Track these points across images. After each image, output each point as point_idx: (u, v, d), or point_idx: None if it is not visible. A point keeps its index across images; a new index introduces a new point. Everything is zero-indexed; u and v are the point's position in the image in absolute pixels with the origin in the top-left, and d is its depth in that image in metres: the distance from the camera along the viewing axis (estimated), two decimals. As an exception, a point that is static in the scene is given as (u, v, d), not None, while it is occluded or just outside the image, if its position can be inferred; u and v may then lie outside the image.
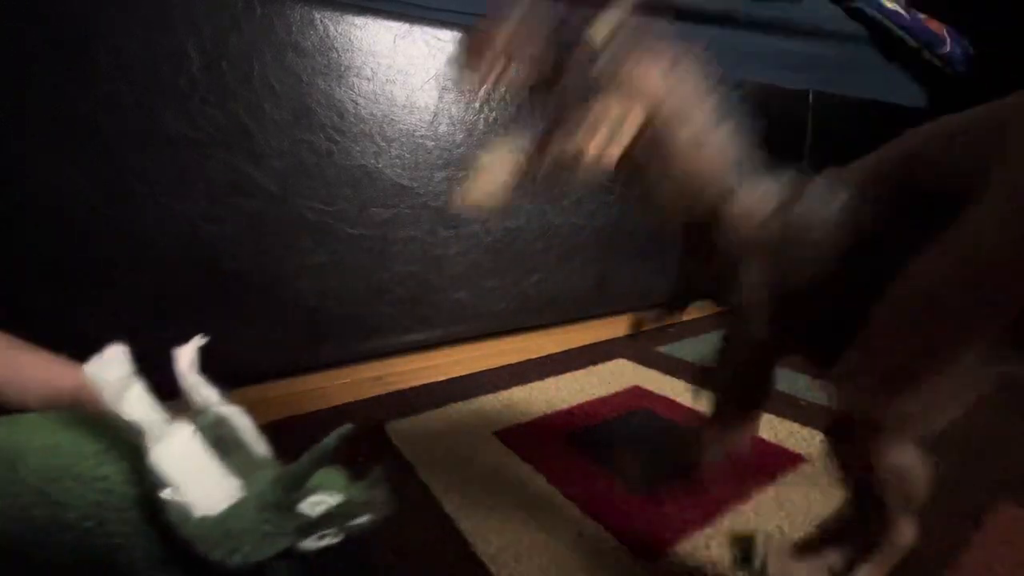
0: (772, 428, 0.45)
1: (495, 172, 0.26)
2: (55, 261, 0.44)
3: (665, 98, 0.23)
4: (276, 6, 0.50)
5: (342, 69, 0.54)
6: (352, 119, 0.55)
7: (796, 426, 0.46)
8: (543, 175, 0.26)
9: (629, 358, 0.64)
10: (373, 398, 0.53)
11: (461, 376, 0.59)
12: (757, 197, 0.22)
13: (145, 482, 0.18)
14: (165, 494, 0.18)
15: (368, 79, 0.55)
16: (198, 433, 0.20)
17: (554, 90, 0.25)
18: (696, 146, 0.23)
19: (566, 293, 0.75)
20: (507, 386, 0.55)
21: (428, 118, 0.60)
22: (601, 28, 0.24)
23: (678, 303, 0.28)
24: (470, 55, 0.25)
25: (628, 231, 0.80)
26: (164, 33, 0.46)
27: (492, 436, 0.44)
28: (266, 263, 0.53)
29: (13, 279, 0.43)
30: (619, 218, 0.79)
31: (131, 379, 0.19)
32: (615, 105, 0.23)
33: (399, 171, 0.59)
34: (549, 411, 0.49)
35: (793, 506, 0.34)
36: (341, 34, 0.53)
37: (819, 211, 0.21)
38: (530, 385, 0.56)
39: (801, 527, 0.32)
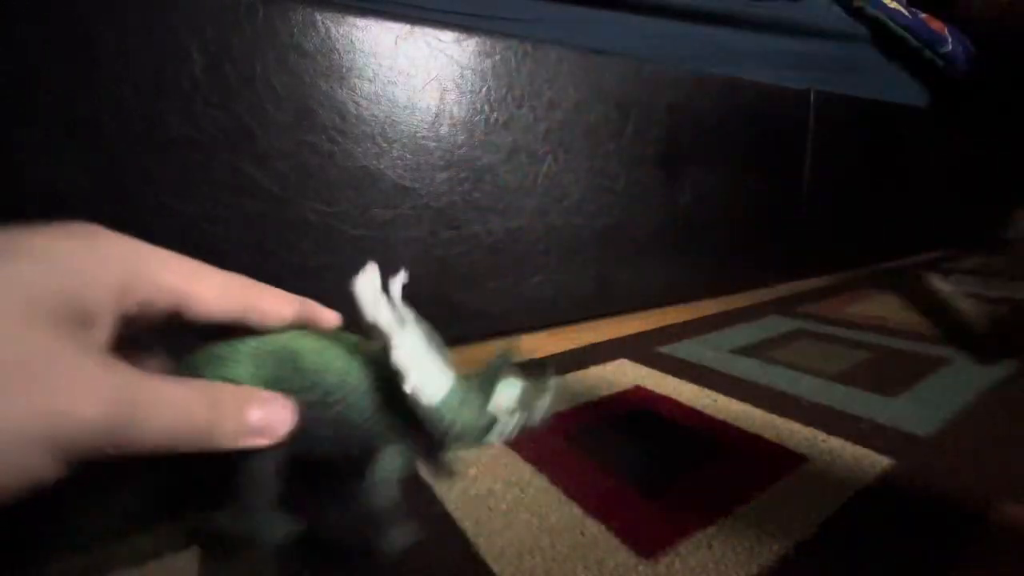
0: (773, 428, 0.45)
1: None
2: (59, 262, 0.44)
3: None
4: (278, 8, 0.50)
5: (344, 70, 0.54)
6: (354, 120, 0.55)
7: (798, 426, 0.46)
8: None
9: (630, 358, 0.64)
10: (375, 398, 0.53)
11: (462, 376, 0.59)
12: None
13: (382, 378, 0.25)
14: (406, 384, 0.23)
15: (370, 80, 0.55)
16: (420, 335, 0.26)
17: None
18: None
19: (567, 294, 0.75)
20: (509, 386, 0.55)
21: (430, 119, 0.60)
22: None
23: None
24: None
25: (629, 232, 0.80)
26: (167, 35, 0.46)
27: (494, 436, 0.44)
28: (268, 264, 0.53)
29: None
30: (620, 219, 0.79)
31: (381, 294, 0.26)
32: None
33: (401, 172, 0.59)
34: (550, 411, 0.49)
35: (795, 506, 0.34)
36: (343, 36, 0.53)
37: None
38: (532, 385, 0.56)
39: (802, 527, 0.32)
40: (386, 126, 0.57)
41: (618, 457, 0.41)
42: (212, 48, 0.48)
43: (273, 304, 0.26)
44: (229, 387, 0.22)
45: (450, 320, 0.66)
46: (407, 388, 0.23)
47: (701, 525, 0.32)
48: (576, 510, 0.34)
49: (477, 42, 0.62)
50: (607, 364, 0.62)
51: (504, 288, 0.69)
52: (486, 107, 0.64)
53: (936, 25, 1.31)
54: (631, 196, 0.79)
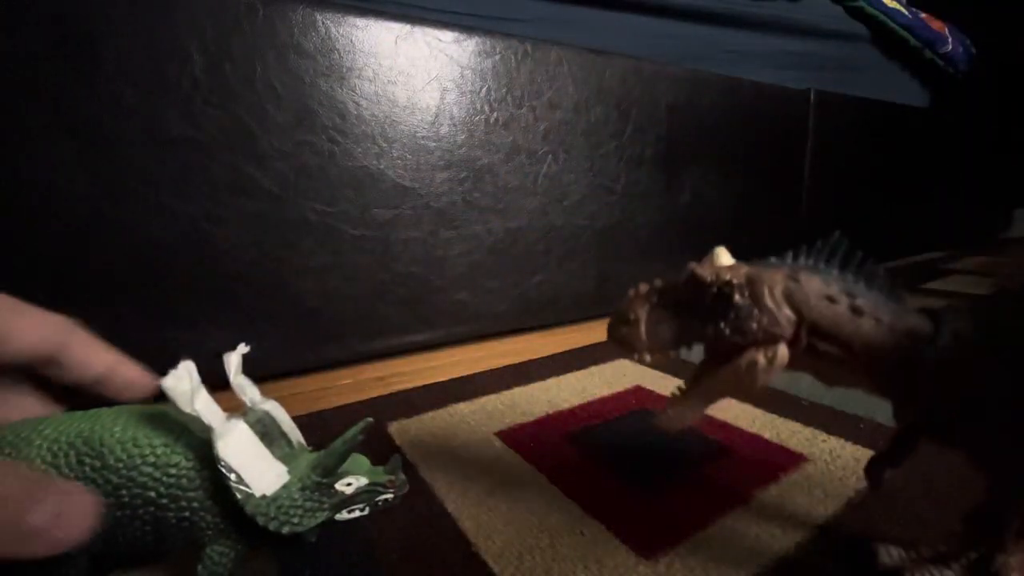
0: (774, 428, 0.45)
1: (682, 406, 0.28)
2: (56, 261, 0.45)
3: (806, 316, 0.24)
4: (278, 8, 0.50)
5: (344, 71, 0.54)
6: (354, 120, 0.55)
7: (798, 426, 0.46)
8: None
9: (630, 358, 0.64)
10: (375, 398, 0.53)
11: (463, 376, 0.59)
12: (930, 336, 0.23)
13: (208, 468, 0.23)
14: (232, 479, 0.22)
15: (370, 80, 0.55)
16: (250, 428, 0.25)
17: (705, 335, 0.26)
18: (856, 331, 0.24)
19: (567, 294, 0.75)
20: (509, 386, 0.55)
21: (430, 119, 0.60)
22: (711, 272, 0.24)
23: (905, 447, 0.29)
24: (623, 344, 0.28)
25: (629, 232, 0.80)
26: (167, 35, 0.46)
27: (494, 436, 0.44)
28: (268, 264, 0.53)
29: (13, 279, 0.43)
30: (620, 219, 0.79)
31: (199, 387, 0.23)
32: (760, 353, 0.24)
33: (401, 172, 0.59)
34: (551, 411, 0.49)
35: (795, 506, 0.34)
36: (343, 36, 0.53)
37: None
38: (532, 385, 0.56)
39: (803, 527, 0.32)
40: (386, 126, 0.57)
41: (618, 457, 0.41)
42: (212, 48, 0.48)
43: (86, 354, 0.24)
44: (12, 473, 0.18)
45: (450, 320, 0.66)
46: (231, 486, 0.22)
47: (701, 525, 0.32)
48: (576, 510, 0.34)
49: (477, 42, 0.62)
50: (607, 364, 0.62)
51: (504, 288, 0.69)
52: (486, 107, 0.64)
53: (936, 25, 1.31)
54: (631, 196, 0.79)
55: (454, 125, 0.62)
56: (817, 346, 0.24)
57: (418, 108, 0.59)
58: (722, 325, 0.24)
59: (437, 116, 0.60)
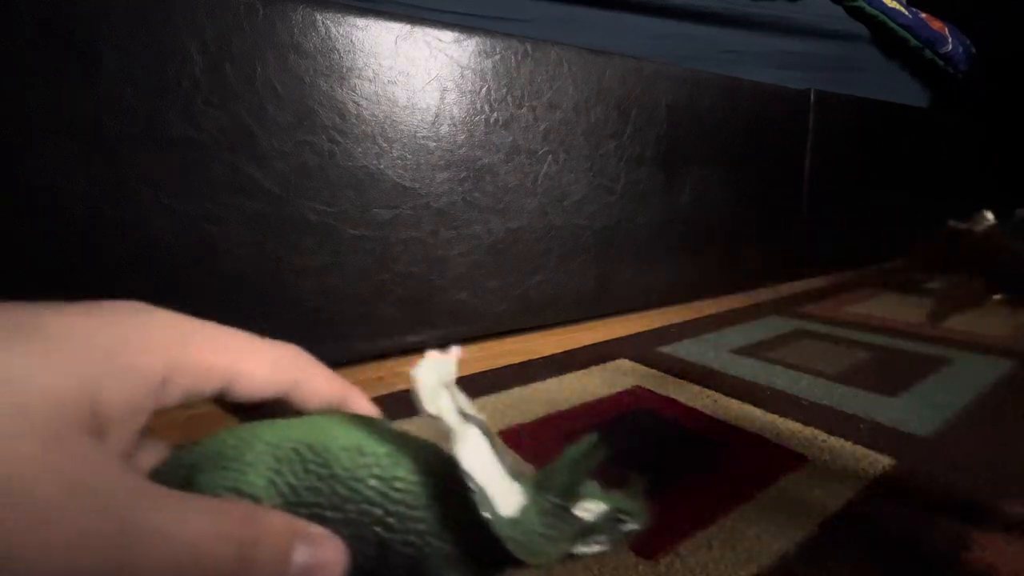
0: (774, 428, 0.45)
1: None
2: (56, 261, 0.44)
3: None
4: (278, 8, 0.50)
5: (344, 70, 0.54)
6: (354, 120, 0.55)
7: (798, 426, 0.46)
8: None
9: (631, 358, 0.64)
10: (375, 398, 0.53)
11: (463, 376, 0.58)
12: None
13: (434, 484, 0.19)
14: (476, 495, 0.18)
15: (370, 80, 0.55)
16: (484, 437, 0.21)
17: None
18: None
19: (567, 294, 0.75)
20: (509, 386, 0.55)
21: (430, 119, 0.60)
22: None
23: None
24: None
25: (629, 232, 0.80)
26: (167, 35, 0.46)
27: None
28: (268, 264, 0.53)
29: (13, 279, 0.43)
30: (620, 219, 0.79)
31: (449, 384, 0.20)
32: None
33: (401, 172, 0.59)
34: (551, 411, 0.49)
35: (795, 506, 0.34)
36: (343, 36, 0.53)
37: None
38: (532, 385, 0.56)
39: (803, 527, 0.32)
40: (386, 126, 0.57)
41: (618, 457, 0.41)
42: (212, 48, 0.48)
43: (321, 384, 0.22)
44: (268, 517, 0.17)
45: (450, 320, 0.66)
46: (480, 505, 0.18)
47: (701, 525, 0.32)
48: (576, 510, 0.34)
49: (477, 42, 0.62)
50: (607, 364, 0.62)
51: (504, 288, 0.69)
52: (486, 107, 0.64)
53: (936, 25, 1.31)
54: (631, 196, 0.79)
55: (454, 125, 0.62)
56: None
57: (418, 108, 0.59)
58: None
59: (437, 116, 0.60)
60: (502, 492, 0.19)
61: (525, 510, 0.20)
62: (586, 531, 0.21)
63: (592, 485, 0.22)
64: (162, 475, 0.18)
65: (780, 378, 0.57)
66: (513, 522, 0.19)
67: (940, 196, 1.47)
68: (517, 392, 0.54)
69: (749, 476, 0.38)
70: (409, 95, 0.58)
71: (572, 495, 0.21)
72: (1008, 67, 1.48)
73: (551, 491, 0.21)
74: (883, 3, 1.17)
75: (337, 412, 0.22)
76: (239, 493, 0.18)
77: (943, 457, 0.40)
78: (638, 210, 0.80)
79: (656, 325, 0.79)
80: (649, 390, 0.54)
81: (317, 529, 0.18)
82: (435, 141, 0.61)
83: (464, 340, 0.68)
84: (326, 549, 0.17)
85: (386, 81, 0.56)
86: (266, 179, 0.52)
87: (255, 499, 0.18)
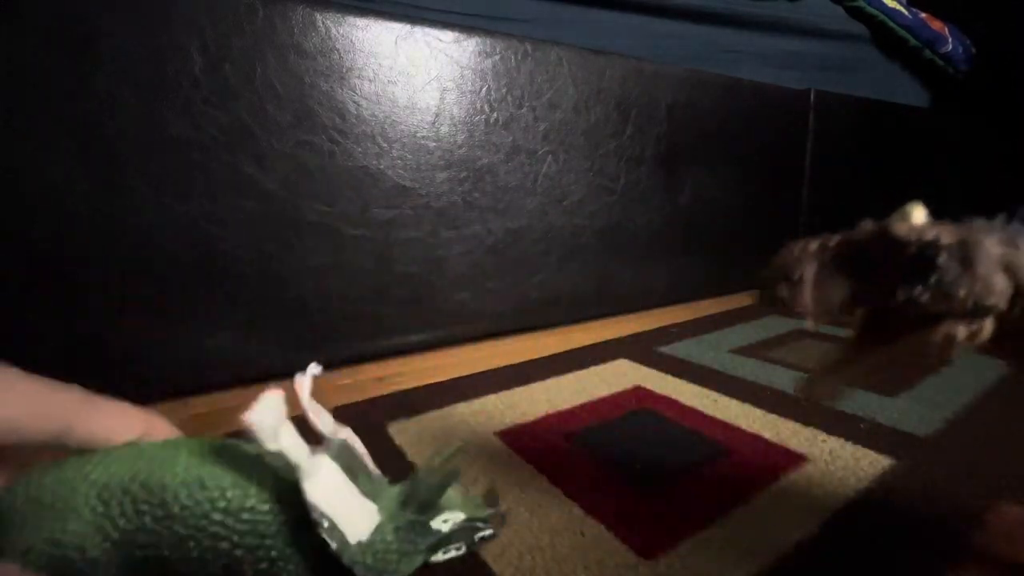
0: (774, 427, 0.45)
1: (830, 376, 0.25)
2: (56, 261, 0.44)
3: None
4: (278, 8, 0.50)
5: (344, 70, 0.54)
6: (354, 120, 0.55)
7: (798, 426, 0.46)
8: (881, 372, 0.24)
9: (630, 358, 0.64)
10: (375, 398, 0.53)
11: (463, 376, 0.59)
12: None
13: (287, 511, 0.20)
14: (325, 527, 0.19)
15: (370, 80, 0.55)
16: (334, 464, 0.21)
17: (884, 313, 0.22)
18: None
19: (567, 294, 0.75)
20: (509, 386, 0.55)
21: (430, 119, 0.60)
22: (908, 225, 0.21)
23: None
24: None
25: (629, 232, 0.80)
26: (167, 35, 0.46)
27: (494, 436, 0.44)
28: (268, 264, 0.53)
29: (13, 279, 0.43)
30: (620, 219, 0.79)
31: (283, 421, 0.20)
32: (962, 325, 0.21)
33: (401, 172, 0.59)
34: (551, 411, 0.49)
35: (795, 506, 0.34)
36: (343, 35, 0.53)
37: None
38: (532, 385, 0.56)
39: (803, 527, 0.32)
40: (386, 126, 0.57)
41: (618, 457, 0.41)
42: (212, 48, 0.48)
43: (106, 423, 0.20)
44: None
45: (450, 320, 0.66)
46: (324, 534, 0.19)
47: (701, 525, 0.32)
48: (576, 510, 0.34)
49: (477, 42, 0.62)
50: (607, 364, 0.62)
51: (504, 288, 0.69)
52: (486, 107, 0.64)
53: (936, 25, 1.31)
54: (631, 196, 0.79)
55: (454, 125, 0.62)
56: None
57: (418, 108, 0.59)
58: (919, 290, 0.21)
59: (437, 116, 0.60)
60: (352, 518, 0.20)
61: (379, 529, 0.21)
62: (442, 541, 0.23)
63: (453, 494, 0.24)
64: None
65: (780, 378, 0.57)
66: (362, 547, 0.20)
67: (939, 196, 1.47)
68: (518, 392, 0.54)
69: (749, 476, 0.38)
70: (409, 95, 0.58)
71: (431, 508, 0.23)
72: (1008, 67, 1.48)
73: (413, 505, 0.22)
74: (883, 3, 1.17)
75: (182, 441, 0.21)
76: (58, 545, 0.17)
77: (943, 457, 0.40)
78: (638, 210, 0.80)
79: (656, 325, 0.79)
80: (649, 390, 0.54)
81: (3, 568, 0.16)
82: (435, 141, 0.60)
83: (464, 340, 0.68)
84: None
85: (386, 81, 0.56)
86: (266, 179, 0.52)
87: (79, 549, 0.17)
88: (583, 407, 0.50)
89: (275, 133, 0.51)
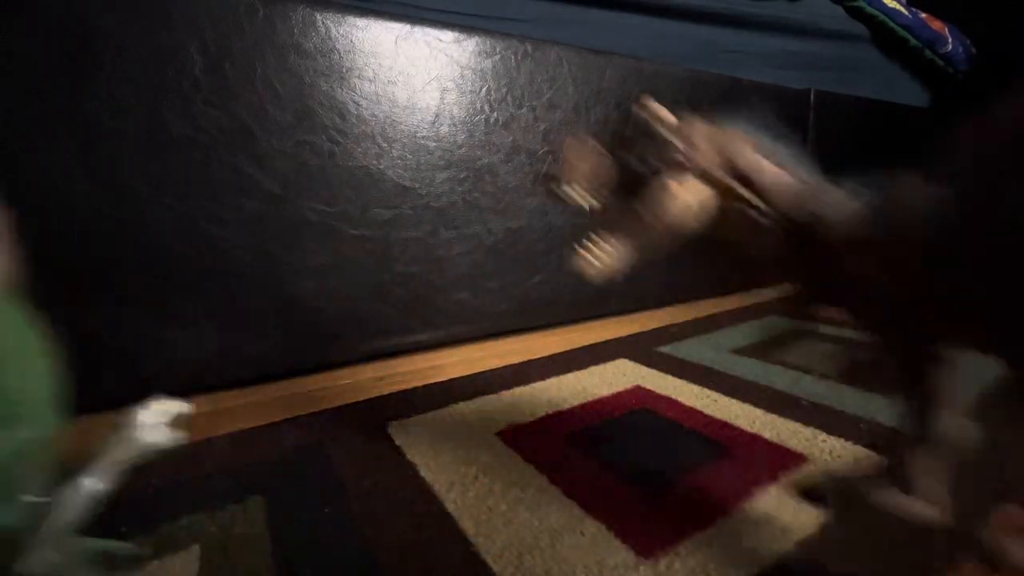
0: (774, 428, 0.45)
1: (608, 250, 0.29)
2: (56, 261, 0.44)
3: (730, 159, 0.26)
4: (278, 8, 0.50)
5: (344, 71, 0.54)
6: (354, 120, 0.55)
7: (798, 426, 0.46)
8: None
9: (630, 358, 0.64)
10: (375, 398, 0.53)
11: (463, 376, 0.59)
12: (847, 205, 0.25)
13: None
14: None
15: (370, 80, 0.55)
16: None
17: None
18: (775, 184, 0.26)
19: (568, 294, 0.75)
20: (509, 386, 0.55)
21: (430, 119, 0.60)
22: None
23: (805, 310, 0.31)
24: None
25: (629, 231, 0.80)
26: (167, 35, 0.46)
27: (494, 436, 0.44)
28: (268, 264, 0.53)
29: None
30: (620, 218, 0.79)
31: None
32: (680, 187, 0.26)
33: (401, 172, 0.59)
34: (551, 411, 0.49)
35: (796, 506, 0.34)
36: (343, 36, 0.53)
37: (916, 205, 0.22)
38: (532, 385, 0.56)
39: (804, 527, 0.32)
40: (386, 126, 0.57)
41: (618, 457, 0.41)
42: (212, 48, 0.48)
43: None
44: None
45: (450, 320, 0.66)
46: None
47: (701, 525, 0.32)
48: (576, 510, 0.34)
49: (477, 42, 0.62)
50: (607, 364, 0.62)
51: (504, 288, 0.69)
52: (486, 107, 0.64)
53: (936, 25, 1.31)
54: (631, 196, 0.79)
55: (454, 125, 0.62)
56: (735, 190, 0.26)
57: (418, 108, 0.59)
58: (647, 155, 0.27)
59: (437, 116, 0.60)
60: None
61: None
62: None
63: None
64: None
65: (780, 378, 0.57)
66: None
67: (940, 196, 1.46)
68: (518, 392, 0.54)
69: (749, 476, 0.38)
70: (409, 95, 0.58)
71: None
72: (1008, 67, 1.48)
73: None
74: (883, 3, 1.17)
75: None
76: None
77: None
78: (638, 210, 0.80)
79: (656, 325, 0.79)
80: (649, 390, 0.54)
81: None
82: (435, 141, 0.60)
83: (464, 340, 0.68)
84: None
85: (386, 81, 0.56)
86: (266, 179, 0.52)
87: None
88: (583, 407, 0.50)
89: (275, 133, 0.51)
